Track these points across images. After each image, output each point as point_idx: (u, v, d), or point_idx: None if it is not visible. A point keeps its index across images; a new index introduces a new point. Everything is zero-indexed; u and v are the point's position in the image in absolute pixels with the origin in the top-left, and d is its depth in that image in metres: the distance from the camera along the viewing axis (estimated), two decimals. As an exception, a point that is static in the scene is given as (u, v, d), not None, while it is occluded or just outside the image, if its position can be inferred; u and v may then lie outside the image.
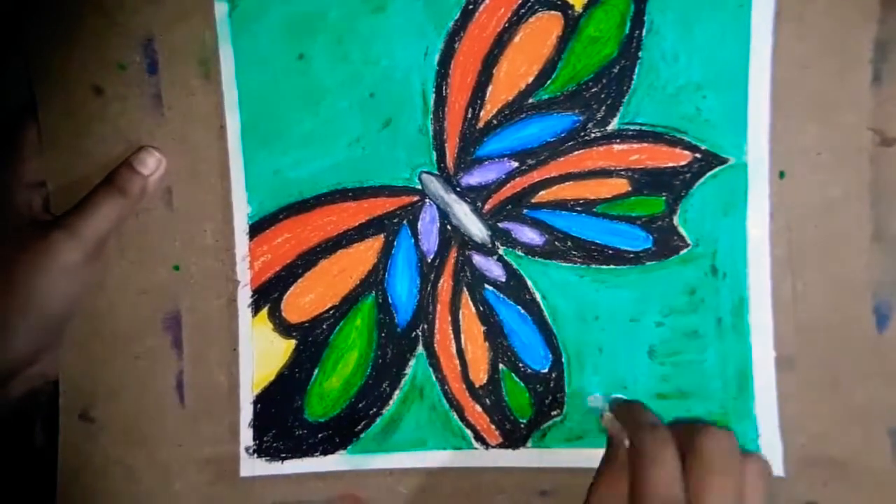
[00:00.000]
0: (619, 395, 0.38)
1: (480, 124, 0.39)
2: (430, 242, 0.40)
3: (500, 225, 0.39)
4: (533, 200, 0.39)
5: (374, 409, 0.40)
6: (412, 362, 0.40)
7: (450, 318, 0.40)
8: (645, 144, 0.37)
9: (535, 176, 0.39)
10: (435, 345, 0.40)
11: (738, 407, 0.37)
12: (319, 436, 0.41)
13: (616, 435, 0.35)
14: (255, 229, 0.40)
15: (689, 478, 0.31)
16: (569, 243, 0.39)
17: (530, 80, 0.38)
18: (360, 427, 0.40)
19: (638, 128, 0.37)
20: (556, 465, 0.39)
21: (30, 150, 0.40)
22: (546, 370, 0.39)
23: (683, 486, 0.31)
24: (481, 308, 0.40)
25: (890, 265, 0.36)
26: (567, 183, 0.38)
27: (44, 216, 0.40)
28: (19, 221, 0.39)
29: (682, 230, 0.38)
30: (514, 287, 0.39)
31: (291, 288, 0.41)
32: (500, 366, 0.40)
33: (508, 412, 0.40)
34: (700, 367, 0.38)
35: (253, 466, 0.41)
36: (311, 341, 0.41)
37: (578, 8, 0.37)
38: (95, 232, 0.38)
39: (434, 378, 0.40)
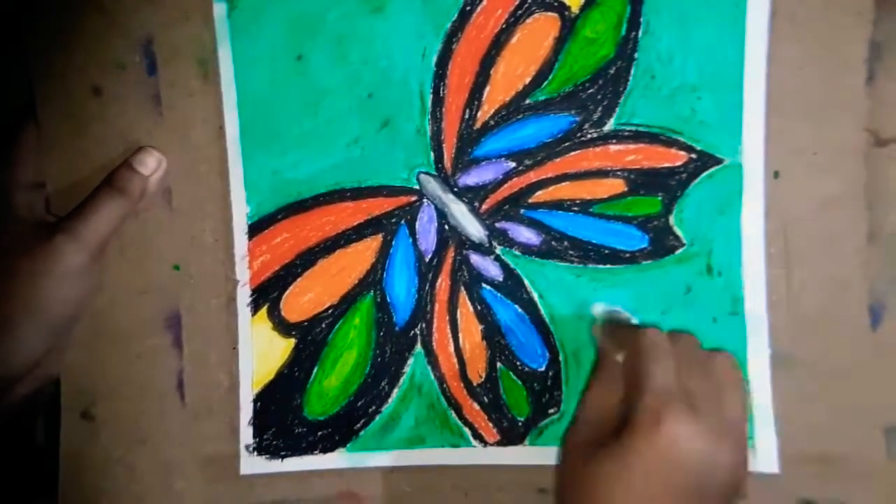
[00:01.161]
0: (616, 308, 0.39)
1: (478, 125, 0.39)
2: (428, 242, 0.40)
3: (497, 225, 0.40)
4: (530, 200, 0.39)
5: (373, 408, 0.41)
6: (410, 361, 0.40)
7: (448, 317, 0.40)
8: (641, 145, 0.38)
9: (532, 176, 0.39)
10: (433, 343, 0.40)
11: (734, 405, 0.38)
12: (319, 434, 0.41)
13: (606, 347, 0.37)
14: (255, 229, 0.41)
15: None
16: (565, 243, 0.39)
17: (527, 80, 0.38)
18: (359, 425, 0.41)
19: (634, 128, 0.38)
20: (553, 462, 0.39)
21: (28, 150, 0.40)
22: (543, 368, 0.39)
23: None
24: (479, 307, 0.40)
25: (884, 264, 0.36)
26: (564, 183, 0.39)
27: (45, 218, 0.40)
28: (20, 224, 0.39)
29: (677, 230, 0.38)
30: (512, 286, 0.40)
31: (290, 287, 0.41)
32: (498, 364, 0.40)
33: (506, 410, 0.40)
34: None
35: (253, 464, 0.41)
36: (310, 340, 0.41)
37: (575, 9, 0.38)
38: (97, 234, 0.38)
39: (432, 376, 0.40)
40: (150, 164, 0.40)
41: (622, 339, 0.37)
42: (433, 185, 0.40)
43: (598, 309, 0.39)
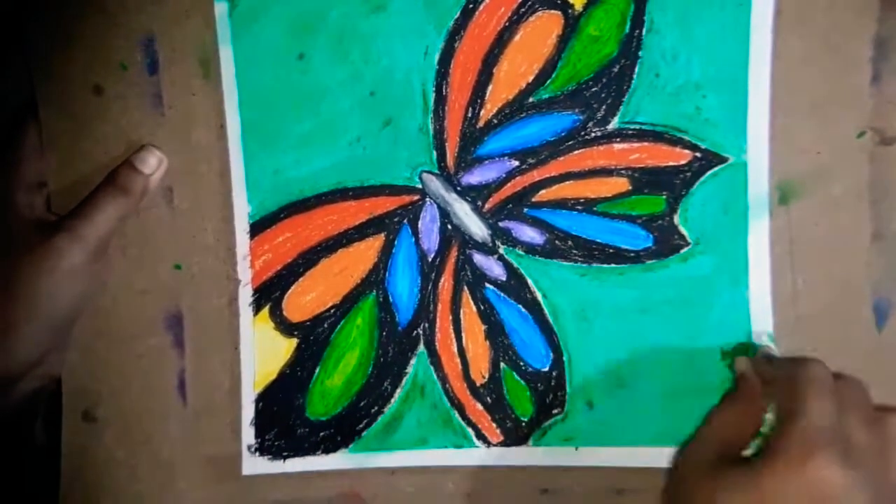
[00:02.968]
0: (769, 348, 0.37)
1: (481, 123, 0.39)
2: (430, 241, 0.40)
3: (500, 224, 0.39)
4: (533, 199, 0.39)
5: (376, 408, 0.40)
6: (413, 361, 0.40)
7: (451, 317, 0.40)
8: (645, 143, 0.38)
9: (536, 175, 0.39)
10: (436, 343, 0.40)
11: (738, 405, 0.37)
12: (321, 434, 0.41)
13: (748, 372, 0.36)
14: (256, 228, 0.41)
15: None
16: (569, 242, 0.39)
17: (530, 79, 0.38)
18: (361, 426, 0.41)
19: (638, 127, 0.38)
20: (556, 463, 0.39)
21: (30, 150, 0.40)
22: (547, 369, 0.39)
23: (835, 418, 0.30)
24: (482, 307, 0.40)
25: (889, 264, 0.36)
26: (567, 182, 0.38)
27: (46, 217, 0.40)
28: (21, 223, 0.39)
29: (682, 229, 0.38)
30: (515, 286, 0.39)
31: (292, 287, 0.41)
32: (501, 364, 0.40)
33: (509, 411, 0.40)
34: (701, 365, 0.38)
35: (255, 465, 0.41)
36: (312, 340, 0.41)
37: (579, 7, 0.37)
38: (98, 232, 0.38)
39: (435, 377, 0.40)
40: (152, 163, 0.39)
41: (775, 369, 0.35)
42: (436, 184, 0.40)
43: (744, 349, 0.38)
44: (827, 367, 0.33)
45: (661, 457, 0.38)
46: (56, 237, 0.37)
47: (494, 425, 0.40)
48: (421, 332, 0.40)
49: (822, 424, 0.29)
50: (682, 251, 0.38)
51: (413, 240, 0.40)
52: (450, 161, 0.39)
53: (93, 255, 0.38)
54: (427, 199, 0.40)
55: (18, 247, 0.38)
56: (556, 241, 0.39)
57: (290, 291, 0.41)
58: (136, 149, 0.40)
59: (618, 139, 0.38)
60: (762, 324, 0.37)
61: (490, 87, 0.39)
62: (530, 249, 0.39)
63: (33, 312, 0.37)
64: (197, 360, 0.41)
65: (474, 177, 0.39)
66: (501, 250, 0.39)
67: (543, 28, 0.38)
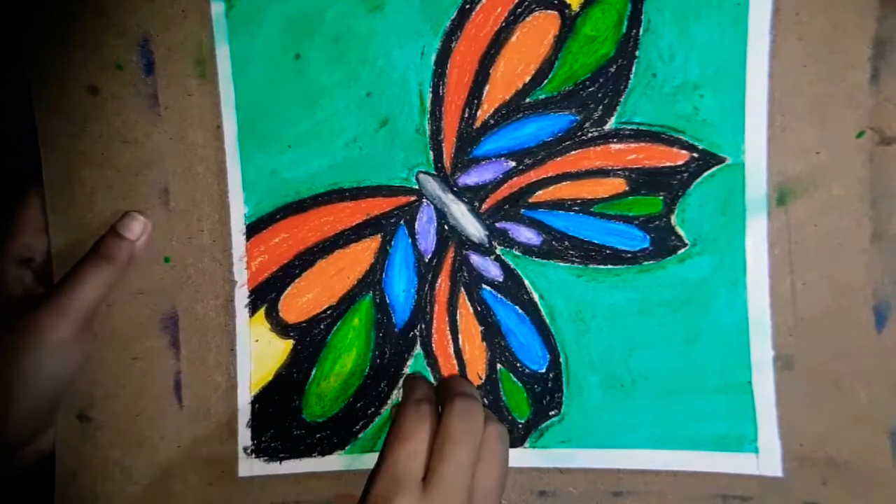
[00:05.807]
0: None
1: (477, 124, 0.39)
2: (427, 242, 0.40)
3: (497, 225, 0.39)
4: (530, 200, 0.39)
5: (373, 409, 0.40)
6: (410, 362, 0.40)
7: (447, 318, 0.40)
8: (642, 144, 0.37)
9: (533, 176, 0.39)
10: (433, 345, 0.40)
11: (737, 407, 0.37)
12: (317, 436, 0.41)
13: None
14: (252, 229, 0.40)
15: (434, 449, 0.33)
16: (566, 243, 0.38)
17: (527, 79, 0.38)
18: (358, 427, 0.40)
19: (635, 127, 0.37)
20: (554, 465, 0.39)
21: (27, 223, 0.39)
22: (544, 370, 0.39)
23: (426, 461, 0.33)
24: (479, 308, 0.40)
25: (889, 265, 0.36)
26: (564, 182, 0.38)
27: (34, 290, 0.39)
28: (8, 300, 0.38)
29: (679, 230, 0.37)
30: (512, 287, 0.39)
31: (289, 288, 0.41)
32: (498, 366, 0.40)
33: (506, 412, 0.39)
34: (698, 367, 0.38)
35: (251, 467, 0.41)
36: (308, 341, 0.41)
37: (575, 7, 0.37)
38: (84, 305, 0.37)
39: (432, 378, 0.40)
40: (136, 229, 0.39)
41: (401, 404, 0.37)
42: (433, 185, 0.39)
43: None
44: (423, 402, 0.35)
45: (658, 459, 0.38)
46: (41, 314, 0.37)
47: (491, 427, 0.39)
48: (417, 333, 0.40)
49: (400, 470, 0.32)
50: (680, 252, 0.37)
51: (410, 241, 0.40)
52: (447, 162, 0.39)
53: (79, 329, 0.38)
54: (424, 199, 0.40)
55: (3, 325, 0.37)
56: (553, 242, 0.39)
57: (286, 293, 0.41)
58: (120, 216, 0.39)
59: (615, 139, 0.38)
60: (760, 326, 0.37)
61: (487, 88, 0.38)
62: (527, 250, 0.39)
63: (19, 391, 0.36)
64: (193, 362, 0.41)
65: (471, 177, 0.39)
66: (498, 251, 0.39)
67: (540, 28, 0.38)
